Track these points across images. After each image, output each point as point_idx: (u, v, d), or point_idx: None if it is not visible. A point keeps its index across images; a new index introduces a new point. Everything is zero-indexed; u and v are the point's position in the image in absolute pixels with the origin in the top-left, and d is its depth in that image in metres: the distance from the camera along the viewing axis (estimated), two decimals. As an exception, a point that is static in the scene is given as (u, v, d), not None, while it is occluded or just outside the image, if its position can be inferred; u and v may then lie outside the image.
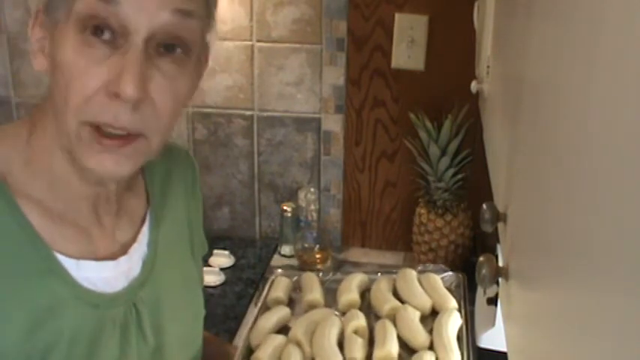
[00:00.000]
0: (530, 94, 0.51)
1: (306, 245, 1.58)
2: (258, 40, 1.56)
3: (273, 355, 1.09)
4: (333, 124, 1.60)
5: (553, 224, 0.39)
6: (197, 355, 0.88)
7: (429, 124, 1.44)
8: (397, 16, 1.49)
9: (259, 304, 1.25)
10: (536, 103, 0.48)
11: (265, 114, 1.62)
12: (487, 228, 0.64)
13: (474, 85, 1.03)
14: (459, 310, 1.19)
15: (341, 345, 1.12)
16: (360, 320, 1.16)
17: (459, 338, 1.13)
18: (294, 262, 1.61)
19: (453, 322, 1.15)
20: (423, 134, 1.44)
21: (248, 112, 1.62)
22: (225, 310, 1.43)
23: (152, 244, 0.79)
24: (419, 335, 1.13)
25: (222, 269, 1.56)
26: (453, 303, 1.21)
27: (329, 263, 1.58)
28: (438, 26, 1.48)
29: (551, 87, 0.42)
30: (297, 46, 1.55)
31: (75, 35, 0.63)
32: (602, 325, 0.27)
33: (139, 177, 0.81)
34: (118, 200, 0.76)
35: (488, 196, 0.75)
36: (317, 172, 1.65)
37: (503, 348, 0.63)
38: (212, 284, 1.49)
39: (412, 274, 1.29)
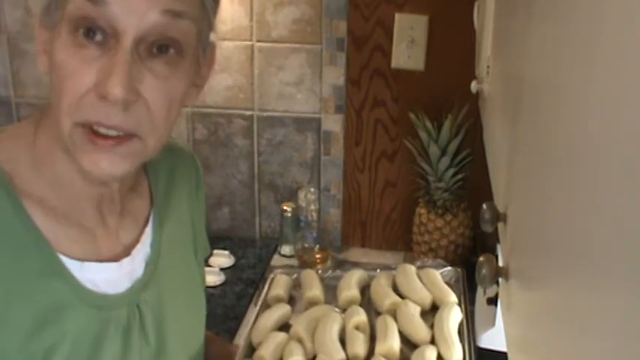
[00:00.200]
0: (530, 94, 0.51)
1: (306, 245, 1.58)
2: (258, 40, 1.56)
3: (275, 353, 1.09)
4: (333, 124, 1.60)
5: (553, 224, 0.39)
6: (199, 355, 0.88)
7: (429, 124, 1.44)
8: (397, 16, 1.49)
9: (260, 303, 1.25)
10: (536, 103, 0.48)
11: (265, 114, 1.62)
12: (487, 228, 0.64)
13: (473, 85, 1.03)
14: (459, 305, 1.20)
15: (342, 341, 1.12)
16: (361, 316, 1.16)
17: (460, 332, 1.13)
18: (294, 262, 1.61)
19: (453, 316, 1.15)
20: (423, 134, 1.44)
21: (248, 112, 1.62)
22: (225, 310, 1.43)
23: (155, 244, 0.79)
24: (420, 330, 1.14)
25: (222, 269, 1.56)
26: (453, 297, 1.21)
27: (329, 263, 1.58)
28: (438, 26, 1.48)
29: (551, 87, 0.42)
30: (297, 46, 1.55)
31: (67, 36, 0.63)
32: (602, 325, 0.27)
33: (142, 177, 0.81)
34: (122, 200, 0.76)
35: (489, 196, 0.75)
36: (317, 172, 1.65)
37: (503, 348, 0.63)
38: (212, 284, 1.49)
39: (411, 269, 1.29)
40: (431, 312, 1.21)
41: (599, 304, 0.28)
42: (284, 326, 1.19)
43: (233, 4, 1.53)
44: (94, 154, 0.64)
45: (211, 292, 1.47)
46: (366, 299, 1.26)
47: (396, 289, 1.26)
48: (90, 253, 0.72)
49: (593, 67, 0.31)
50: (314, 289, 1.26)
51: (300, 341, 1.11)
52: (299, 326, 1.14)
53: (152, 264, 0.78)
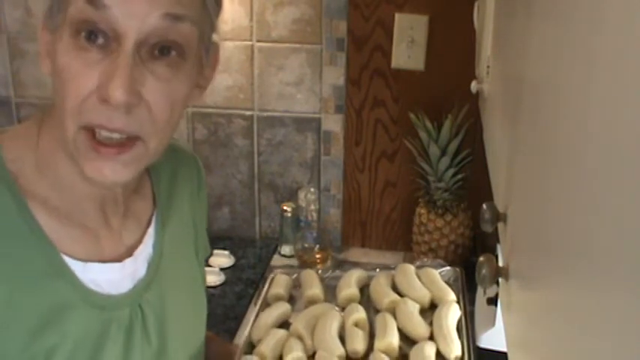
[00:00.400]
0: (530, 94, 0.51)
1: (306, 245, 1.58)
2: (258, 40, 1.56)
3: (275, 349, 1.10)
4: (333, 124, 1.60)
5: (553, 224, 0.39)
6: (200, 355, 0.88)
7: (429, 124, 1.44)
8: (397, 16, 1.49)
9: (260, 301, 1.25)
10: (536, 103, 0.48)
11: (265, 114, 1.62)
12: (487, 228, 0.64)
13: (473, 85, 1.03)
14: (458, 303, 1.20)
15: (342, 338, 1.12)
16: (360, 313, 1.17)
17: (459, 330, 1.13)
18: (294, 262, 1.61)
19: (452, 313, 1.16)
20: (423, 134, 1.44)
21: (248, 112, 1.62)
22: (225, 310, 1.43)
23: (157, 245, 0.79)
24: (419, 327, 1.14)
25: (222, 269, 1.56)
26: (451, 296, 1.21)
27: (329, 263, 1.58)
28: (438, 26, 1.48)
29: (551, 87, 0.42)
30: (297, 46, 1.55)
31: (69, 39, 0.63)
32: (602, 325, 0.27)
33: (145, 178, 0.81)
34: (125, 202, 0.76)
35: (489, 196, 0.75)
36: (317, 172, 1.65)
37: (503, 348, 0.63)
38: (212, 284, 1.49)
39: (410, 269, 1.30)
40: (430, 310, 1.21)
41: (599, 304, 0.28)
42: (284, 324, 1.19)
43: (233, 4, 1.53)
44: (97, 162, 0.64)
45: (211, 292, 1.47)
46: (366, 298, 1.27)
47: (395, 289, 1.26)
48: (93, 254, 0.72)
49: (593, 67, 0.31)
50: (314, 288, 1.26)
51: (300, 338, 1.12)
52: (299, 323, 1.14)
53: (154, 264, 0.78)
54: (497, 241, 0.69)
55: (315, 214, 1.64)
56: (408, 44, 1.50)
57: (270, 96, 1.60)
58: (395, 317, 1.17)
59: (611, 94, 0.27)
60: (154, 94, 0.64)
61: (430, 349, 1.07)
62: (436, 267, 1.33)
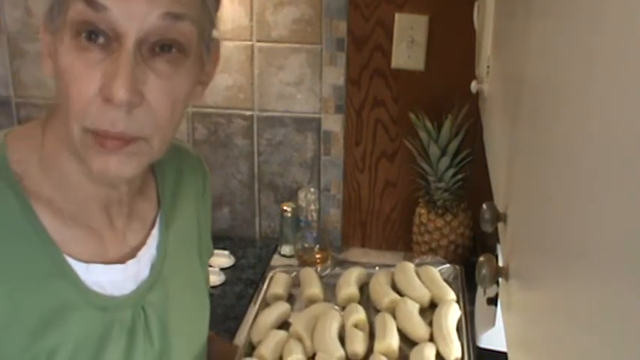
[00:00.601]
0: (530, 94, 0.52)
1: (306, 245, 1.58)
2: (258, 40, 1.56)
3: (275, 351, 1.09)
4: (333, 124, 1.60)
5: (553, 224, 0.39)
6: (202, 356, 0.88)
7: (429, 124, 1.44)
8: (397, 16, 1.49)
9: (259, 301, 1.25)
10: (536, 103, 0.48)
11: (265, 114, 1.62)
12: (487, 228, 0.64)
13: (473, 85, 1.03)
14: (458, 302, 1.20)
15: (342, 339, 1.12)
16: (360, 314, 1.17)
17: (459, 330, 1.13)
18: (294, 262, 1.61)
19: (452, 313, 1.16)
20: (423, 134, 1.44)
21: (248, 112, 1.62)
22: (225, 310, 1.43)
23: (161, 246, 0.79)
24: (419, 327, 1.14)
25: (222, 269, 1.56)
26: (451, 295, 1.21)
27: (329, 263, 1.58)
28: (438, 26, 1.48)
29: (551, 87, 0.42)
30: (297, 46, 1.55)
31: (70, 41, 0.63)
32: (602, 325, 0.27)
33: (150, 179, 0.81)
34: (129, 202, 0.76)
35: (489, 196, 0.75)
36: (317, 172, 1.65)
37: (503, 348, 0.63)
38: (212, 284, 1.48)
39: (410, 267, 1.30)
40: (429, 309, 1.21)
41: (599, 304, 0.28)
42: (283, 324, 1.19)
43: (233, 4, 1.53)
44: (104, 155, 0.64)
45: (211, 292, 1.46)
46: (365, 297, 1.27)
47: (394, 287, 1.26)
48: (96, 255, 0.72)
49: (593, 67, 0.31)
50: (313, 287, 1.26)
51: (299, 339, 1.12)
52: (298, 325, 1.14)
53: (158, 266, 0.78)
54: (497, 241, 0.69)
55: (315, 214, 1.64)
56: (408, 44, 1.50)
57: (270, 96, 1.60)
58: (395, 317, 1.17)
59: (611, 94, 0.27)
60: (156, 92, 0.64)
61: (430, 351, 1.07)
62: (436, 264, 1.33)
